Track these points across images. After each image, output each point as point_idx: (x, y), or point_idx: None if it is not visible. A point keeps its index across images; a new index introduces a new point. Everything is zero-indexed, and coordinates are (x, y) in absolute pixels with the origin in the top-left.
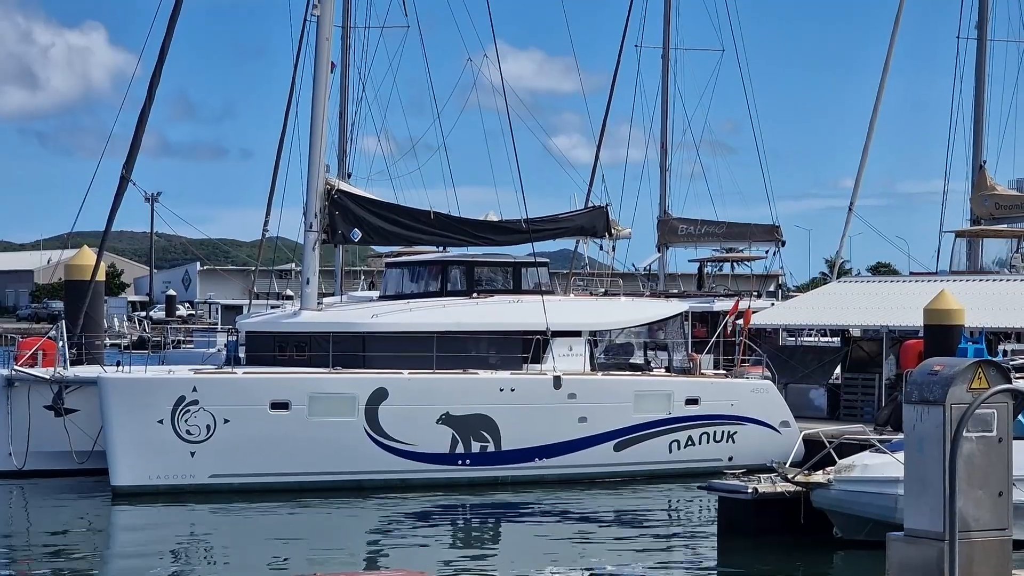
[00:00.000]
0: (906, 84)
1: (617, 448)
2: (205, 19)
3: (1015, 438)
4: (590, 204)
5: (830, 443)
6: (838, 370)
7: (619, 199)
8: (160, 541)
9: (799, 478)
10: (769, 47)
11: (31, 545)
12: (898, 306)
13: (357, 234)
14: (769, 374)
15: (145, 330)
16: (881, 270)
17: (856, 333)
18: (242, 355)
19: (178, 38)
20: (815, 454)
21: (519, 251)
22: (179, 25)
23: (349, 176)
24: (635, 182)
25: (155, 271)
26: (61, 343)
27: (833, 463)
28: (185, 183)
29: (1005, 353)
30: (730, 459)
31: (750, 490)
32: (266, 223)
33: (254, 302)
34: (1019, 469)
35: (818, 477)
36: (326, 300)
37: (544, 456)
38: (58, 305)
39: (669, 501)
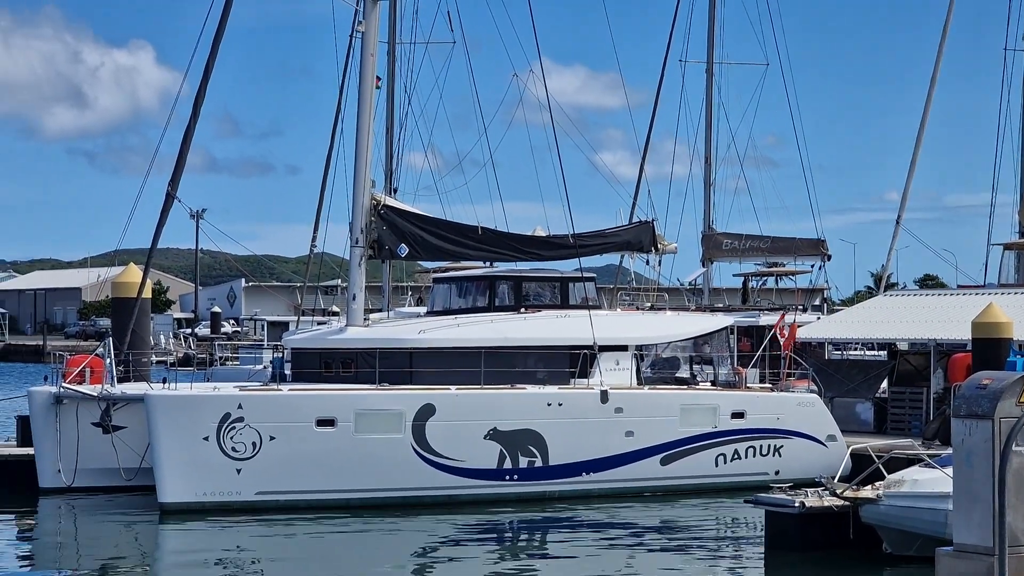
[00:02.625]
0: (953, 96)
1: (664, 462)
2: (251, 37)
3: None
4: (636, 219)
5: (879, 458)
6: (885, 384)
7: (664, 214)
8: (207, 558)
9: (848, 493)
10: (813, 60)
11: (80, 562)
12: (946, 319)
13: (404, 249)
14: (815, 388)
15: (191, 347)
16: (928, 283)
17: (903, 347)
18: (288, 372)
19: (224, 56)
20: (863, 468)
21: (566, 266)
22: (224, 43)
23: (396, 191)
24: (680, 197)
25: (200, 288)
26: (108, 360)
27: (882, 478)
28: (231, 200)
29: None
30: (776, 473)
31: (797, 504)
32: (314, 239)
33: (301, 318)
34: None
35: (867, 492)
36: (373, 316)
37: (591, 471)
38: (105, 322)
39: (716, 515)
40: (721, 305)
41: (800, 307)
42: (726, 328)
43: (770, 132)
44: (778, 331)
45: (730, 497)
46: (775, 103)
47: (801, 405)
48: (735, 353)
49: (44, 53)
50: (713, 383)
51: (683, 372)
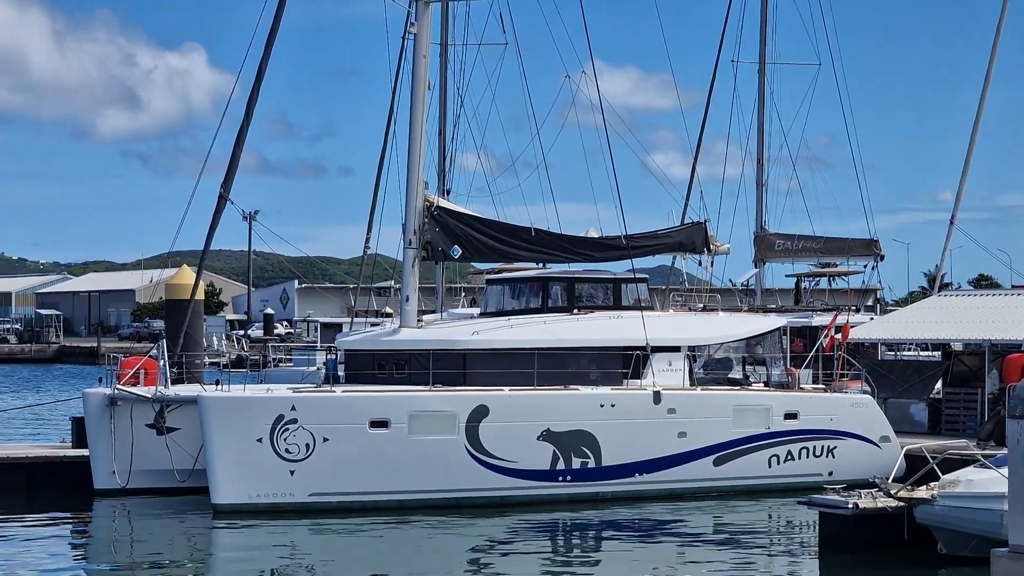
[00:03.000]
0: (1007, 94)
1: (716, 463)
2: (303, 39)
3: None
4: (688, 220)
5: (933, 458)
6: (939, 385)
7: (716, 215)
8: (260, 559)
9: (902, 493)
10: (866, 59)
11: (134, 563)
12: (1000, 320)
13: (457, 251)
14: (868, 388)
15: (244, 349)
16: (983, 283)
17: (957, 347)
18: (342, 373)
19: (276, 58)
20: (917, 469)
21: (618, 267)
22: (277, 45)
23: (449, 193)
24: (732, 198)
25: (253, 289)
26: (162, 362)
27: (936, 478)
28: (283, 201)
29: None
30: (830, 474)
31: (851, 505)
32: (367, 240)
33: (354, 320)
34: None
35: (922, 492)
36: (426, 317)
37: (644, 471)
38: (159, 324)
39: (769, 516)
40: (774, 306)
41: (853, 308)
42: (779, 329)
43: (822, 132)
44: (827, 333)
45: (783, 498)
46: (827, 103)
47: (854, 406)
48: (788, 354)
49: (97, 56)
50: (766, 384)
51: (736, 373)
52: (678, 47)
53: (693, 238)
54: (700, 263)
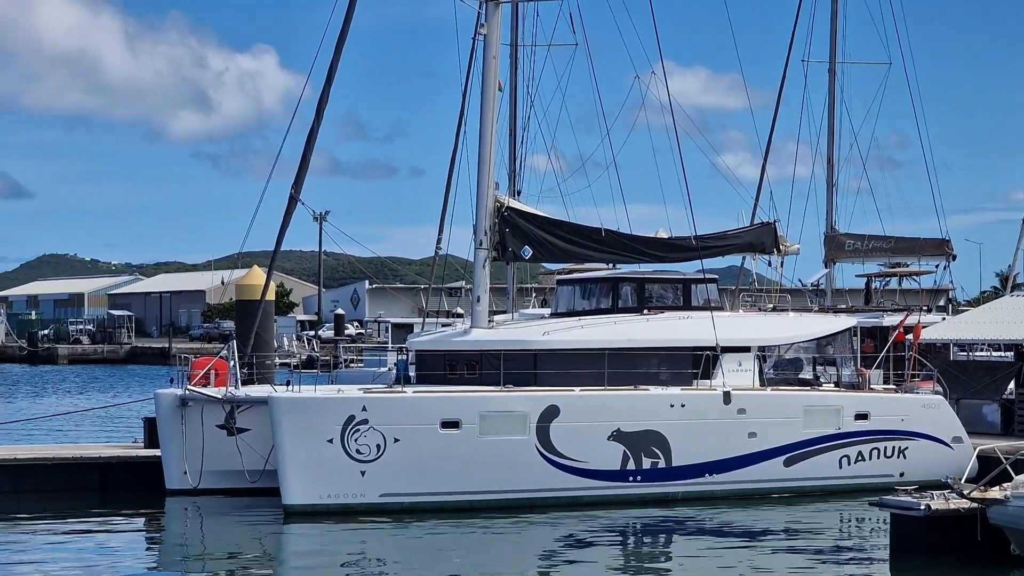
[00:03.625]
0: None
1: (787, 463)
2: (374, 40)
3: None
4: (758, 220)
5: (1006, 459)
6: (1011, 385)
7: (786, 215)
8: (331, 560)
9: (975, 494)
10: (937, 58)
11: (205, 563)
12: None
13: (528, 251)
14: (940, 389)
15: (314, 349)
16: None
17: None
18: (413, 374)
19: (347, 59)
20: (990, 470)
21: (688, 268)
22: (348, 47)
23: (519, 194)
24: (802, 198)
25: (324, 290)
26: (232, 363)
27: (1009, 479)
28: (354, 202)
29: None
30: (901, 475)
31: (923, 506)
32: (439, 241)
33: (425, 320)
34: None
35: (995, 493)
36: (497, 318)
37: (714, 472)
38: (229, 325)
39: (840, 517)
40: (844, 306)
41: (924, 308)
42: (849, 329)
43: (893, 132)
44: (897, 329)
45: (854, 499)
46: (898, 102)
47: (926, 407)
48: (858, 354)
49: (169, 58)
50: (836, 384)
51: (806, 373)
52: (748, 47)
53: (763, 238)
54: (770, 263)
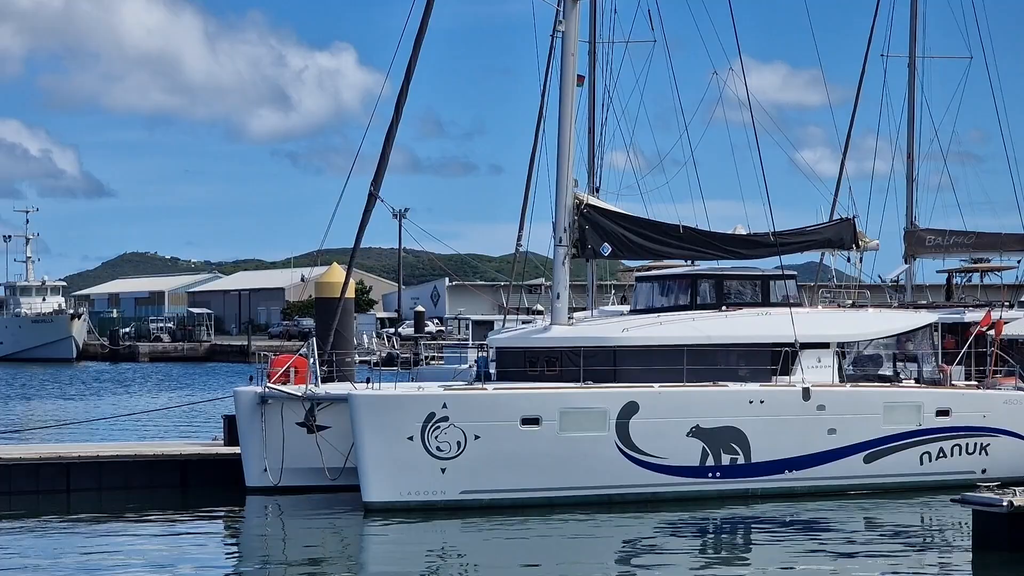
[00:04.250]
0: None
1: (867, 460)
2: (453, 38)
3: None
4: (837, 216)
5: None
6: None
7: (866, 211)
8: (412, 558)
9: None
10: (1020, 52)
11: (286, 560)
12: None
13: (607, 248)
14: (1023, 385)
15: (394, 346)
16: None
17: None
18: (493, 371)
19: (425, 57)
20: None
21: (767, 264)
22: (426, 44)
23: (598, 191)
24: (881, 193)
25: (404, 287)
26: (312, 360)
27: None
28: (434, 199)
29: None
30: (983, 472)
31: (1006, 503)
32: (519, 238)
33: (506, 317)
34: None
35: None
36: (577, 315)
37: (793, 468)
38: (309, 322)
39: (921, 514)
40: (924, 302)
41: (1007, 304)
42: (930, 325)
43: (974, 126)
44: (982, 329)
45: (935, 496)
46: (979, 97)
47: (1008, 403)
48: (939, 350)
49: (249, 57)
50: (917, 381)
51: (886, 370)
52: (827, 42)
53: (842, 234)
54: (849, 259)
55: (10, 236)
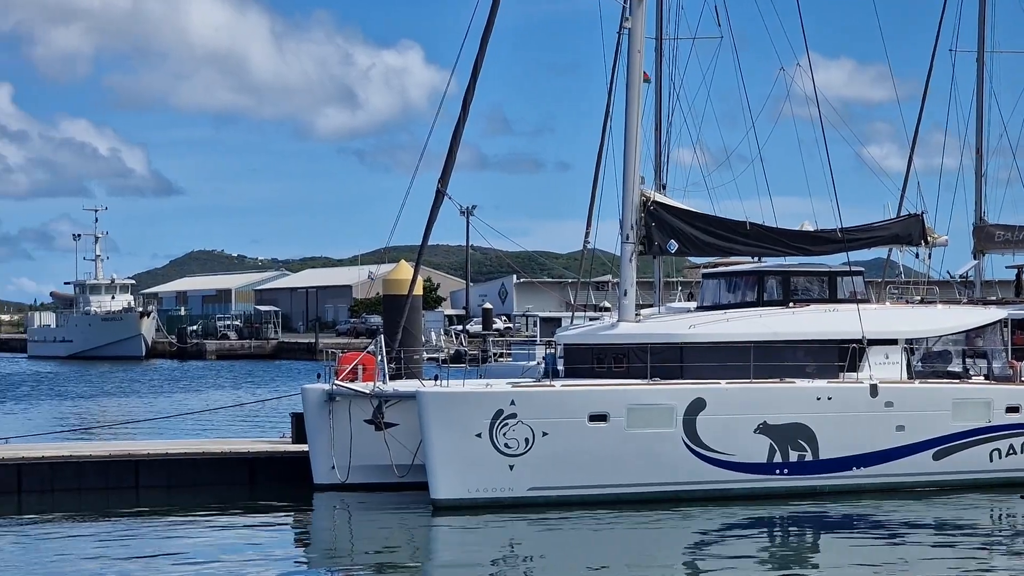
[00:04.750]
0: None
1: (936, 457)
2: (519, 35)
3: None
4: (904, 212)
5: None
6: None
7: (934, 206)
8: (480, 555)
9: None
10: None
11: (354, 558)
12: None
13: (674, 245)
14: None
15: (462, 344)
16: None
17: None
18: (561, 367)
19: (492, 54)
20: None
21: (834, 260)
22: (493, 41)
23: (665, 188)
24: (949, 189)
25: (471, 284)
26: (380, 358)
27: None
28: (501, 196)
29: None
30: None
31: None
32: (587, 235)
33: (574, 314)
34: None
35: None
36: (644, 311)
37: (862, 465)
38: (376, 319)
39: (991, 511)
40: (994, 298)
41: None
42: (999, 321)
43: None
44: None
45: (1005, 493)
46: None
47: None
48: (1009, 347)
49: (315, 56)
50: (986, 377)
51: (955, 366)
52: (894, 38)
53: (910, 230)
54: (917, 255)
55: (79, 235)
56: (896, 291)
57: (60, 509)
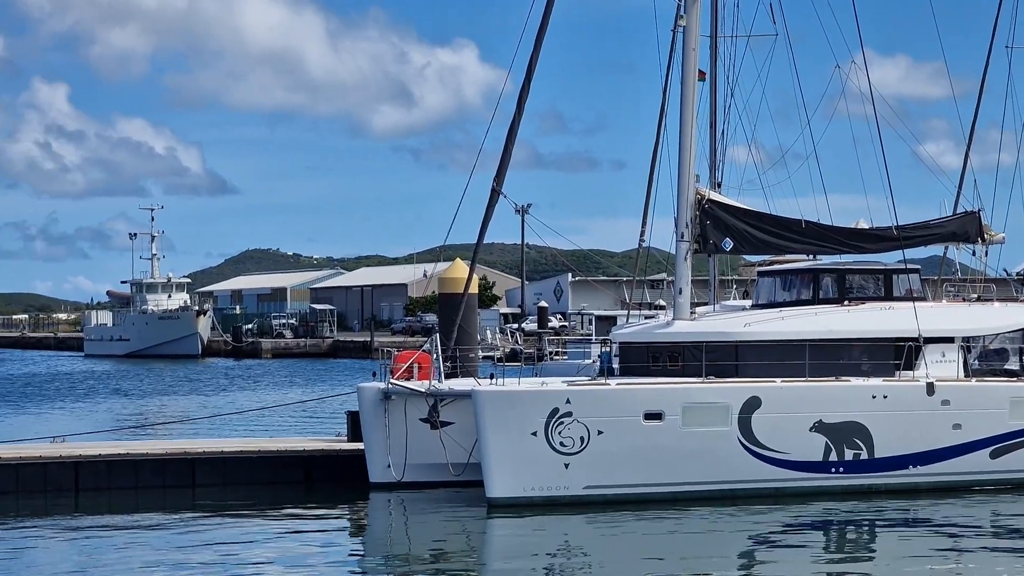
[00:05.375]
0: None
1: (993, 455)
2: (574, 33)
3: None
4: (960, 209)
5: None
6: None
7: (991, 203)
8: (536, 553)
9: None
10: None
11: (410, 556)
12: None
13: (729, 243)
14: None
15: (517, 342)
16: None
17: None
18: (616, 366)
19: (547, 52)
20: None
21: (889, 258)
22: (548, 39)
23: (720, 186)
24: (1007, 186)
25: (526, 283)
26: (436, 356)
27: None
28: (556, 195)
29: None
30: None
31: None
32: (642, 233)
33: (630, 312)
34: None
35: None
36: (699, 309)
37: (918, 463)
38: (432, 318)
39: None
40: None
41: None
42: None
43: None
44: None
45: None
46: None
47: None
48: None
49: (370, 54)
50: None
51: (1013, 364)
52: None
53: (966, 228)
54: (974, 253)
55: (135, 234)
56: (952, 289)
57: (116, 507)
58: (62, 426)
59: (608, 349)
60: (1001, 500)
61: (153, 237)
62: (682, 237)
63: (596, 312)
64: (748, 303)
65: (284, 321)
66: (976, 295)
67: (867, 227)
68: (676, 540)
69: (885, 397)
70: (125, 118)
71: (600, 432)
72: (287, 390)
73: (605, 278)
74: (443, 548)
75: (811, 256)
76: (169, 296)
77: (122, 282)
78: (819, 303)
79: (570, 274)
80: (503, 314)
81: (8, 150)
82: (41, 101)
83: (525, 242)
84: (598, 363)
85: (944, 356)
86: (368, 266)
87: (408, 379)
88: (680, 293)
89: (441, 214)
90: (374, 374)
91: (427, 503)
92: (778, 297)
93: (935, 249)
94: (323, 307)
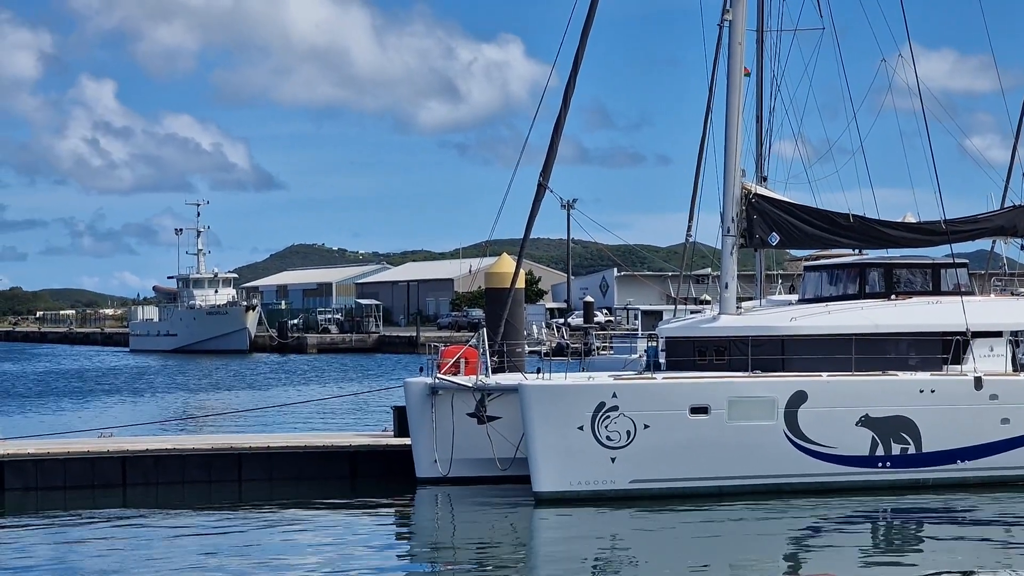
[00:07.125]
0: None
1: None
2: (619, 28)
3: None
4: (1008, 203)
5: None
6: None
7: None
8: (582, 547)
9: None
10: None
11: (457, 550)
12: None
13: (775, 238)
14: None
15: (564, 337)
16: None
17: None
18: (662, 360)
19: (593, 48)
20: None
21: (937, 252)
22: (593, 35)
23: (766, 180)
24: None
25: (572, 277)
26: (482, 351)
27: None
28: (601, 190)
29: None
30: None
31: None
32: (689, 228)
33: (677, 307)
34: None
35: None
36: (745, 304)
37: (965, 458)
38: (478, 313)
39: None
40: None
41: None
42: None
43: None
44: None
45: None
46: None
47: None
48: None
49: (416, 50)
50: None
51: None
52: (997, 27)
53: (1015, 222)
54: (1022, 247)
55: (181, 229)
56: (1000, 283)
57: (163, 502)
58: (109, 420)
59: (654, 344)
60: None
61: (199, 232)
62: (728, 232)
63: (642, 307)
64: (794, 297)
65: (329, 316)
66: None
67: (914, 221)
68: (722, 534)
69: (933, 391)
70: (172, 114)
71: (646, 426)
72: (333, 385)
73: (651, 273)
74: (490, 543)
75: (858, 250)
76: (216, 291)
77: (168, 277)
78: (866, 297)
79: (616, 269)
80: (549, 309)
81: (56, 147)
82: (88, 98)
83: (571, 237)
84: (644, 358)
85: (992, 350)
86: (414, 261)
87: (455, 374)
88: (726, 288)
89: (486, 209)
90: (421, 369)
91: (474, 498)
92: (824, 291)
93: (983, 243)
94: (369, 302)
